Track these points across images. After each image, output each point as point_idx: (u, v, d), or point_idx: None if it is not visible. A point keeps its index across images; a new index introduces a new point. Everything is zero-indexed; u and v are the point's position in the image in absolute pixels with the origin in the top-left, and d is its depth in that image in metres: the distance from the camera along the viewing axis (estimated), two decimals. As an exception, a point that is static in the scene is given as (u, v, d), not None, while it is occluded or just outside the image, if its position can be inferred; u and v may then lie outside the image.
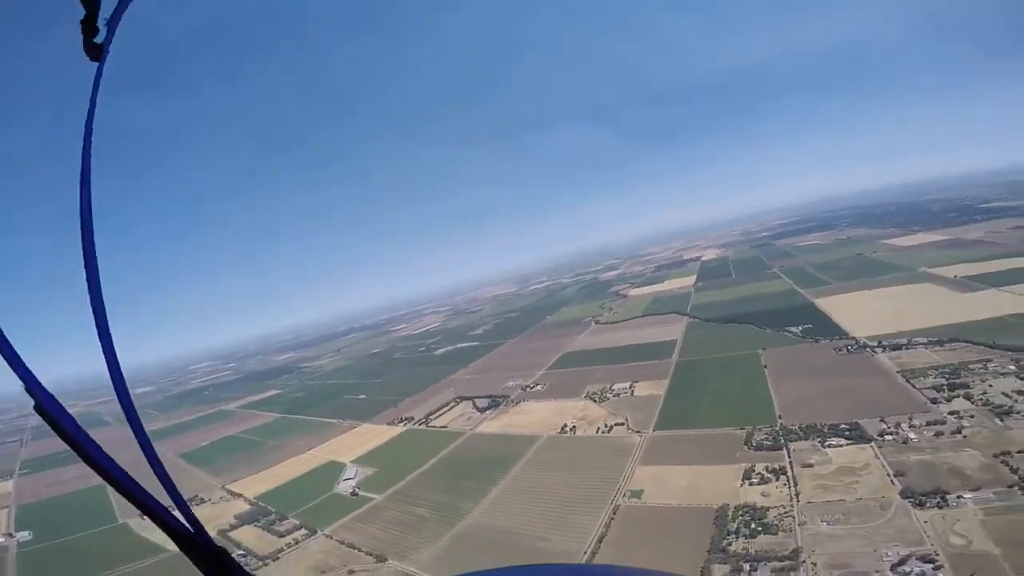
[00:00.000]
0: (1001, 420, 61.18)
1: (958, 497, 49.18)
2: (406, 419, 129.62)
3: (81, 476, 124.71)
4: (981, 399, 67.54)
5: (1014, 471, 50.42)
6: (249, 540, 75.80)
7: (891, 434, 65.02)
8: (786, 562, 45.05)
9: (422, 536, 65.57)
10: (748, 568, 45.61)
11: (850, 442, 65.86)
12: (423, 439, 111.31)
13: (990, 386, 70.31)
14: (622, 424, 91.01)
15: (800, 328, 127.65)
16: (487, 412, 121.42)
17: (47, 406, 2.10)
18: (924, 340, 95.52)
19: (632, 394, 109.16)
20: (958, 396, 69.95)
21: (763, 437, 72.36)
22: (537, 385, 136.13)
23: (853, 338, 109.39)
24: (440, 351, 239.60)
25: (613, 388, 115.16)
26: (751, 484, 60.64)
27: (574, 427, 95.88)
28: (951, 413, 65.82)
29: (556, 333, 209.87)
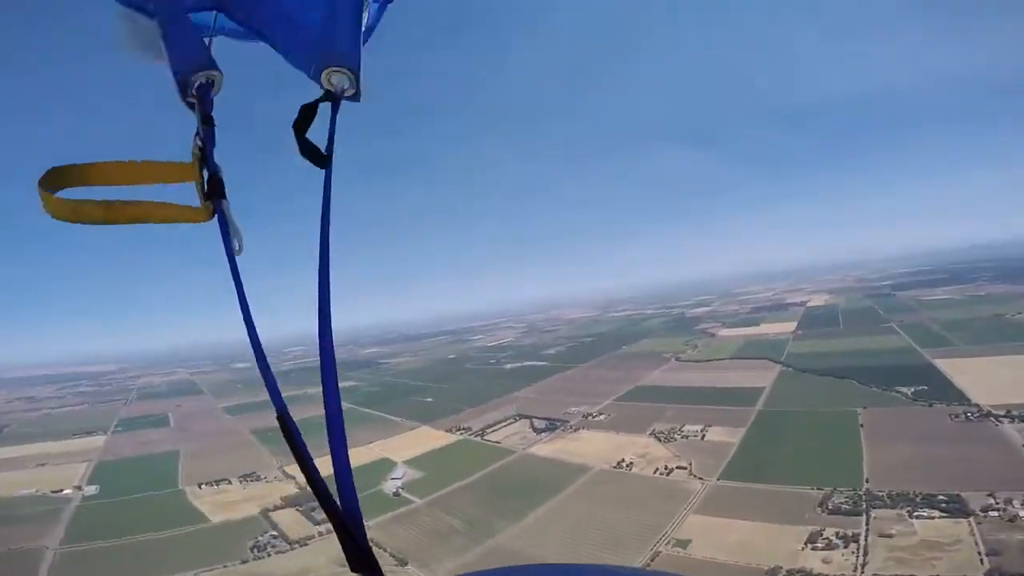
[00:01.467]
0: None
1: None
2: (463, 428, 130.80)
3: (164, 439, 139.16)
4: None
5: None
6: (286, 522, 79.41)
7: (997, 509, 55.74)
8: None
9: (447, 548, 64.63)
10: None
11: (945, 515, 57.11)
12: (475, 451, 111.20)
13: None
14: (684, 468, 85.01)
15: (912, 389, 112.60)
16: (543, 434, 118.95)
17: (283, 414, 2.42)
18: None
19: (702, 438, 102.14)
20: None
21: (842, 500, 63.86)
22: (601, 415, 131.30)
23: (975, 404, 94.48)
24: (509, 366, 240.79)
25: (683, 429, 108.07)
26: (813, 548, 53.50)
27: (631, 463, 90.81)
28: (1084, 498, 54.11)
29: (632, 364, 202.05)
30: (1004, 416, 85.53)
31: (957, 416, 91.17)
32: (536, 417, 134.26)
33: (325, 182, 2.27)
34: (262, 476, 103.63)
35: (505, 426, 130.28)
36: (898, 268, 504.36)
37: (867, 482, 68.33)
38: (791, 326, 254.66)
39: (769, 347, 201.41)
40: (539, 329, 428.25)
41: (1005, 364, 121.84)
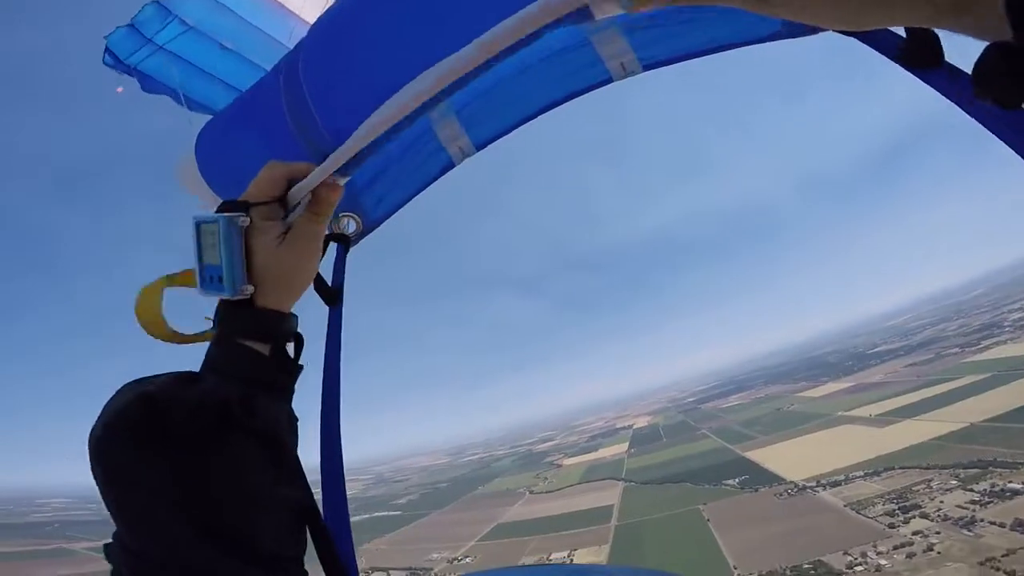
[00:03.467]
0: (969, 530, 58.21)
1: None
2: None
3: None
4: (939, 515, 65.52)
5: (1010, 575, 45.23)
6: None
7: (860, 564, 60.17)
8: None
9: None
10: None
11: (820, 581, 58.84)
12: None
13: (942, 502, 69.20)
14: (560, 596, 77.03)
15: (737, 480, 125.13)
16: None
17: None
18: (861, 473, 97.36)
19: (571, 562, 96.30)
20: (914, 517, 67.83)
21: (721, 591, 63.29)
22: (466, 557, 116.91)
23: (792, 482, 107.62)
24: (355, 519, 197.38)
25: (550, 559, 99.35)
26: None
27: (504, 603, 79.51)
28: (915, 533, 62.78)
29: (488, 504, 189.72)
30: (817, 486, 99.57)
31: (781, 495, 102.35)
32: (393, 568, 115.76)
33: (331, 320, 2.16)
34: None
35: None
36: (698, 386, 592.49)
37: (736, 569, 71.20)
38: (624, 447, 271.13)
39: (610, 468, 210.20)
40: (388, 479, 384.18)
41: (798, 444, 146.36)
